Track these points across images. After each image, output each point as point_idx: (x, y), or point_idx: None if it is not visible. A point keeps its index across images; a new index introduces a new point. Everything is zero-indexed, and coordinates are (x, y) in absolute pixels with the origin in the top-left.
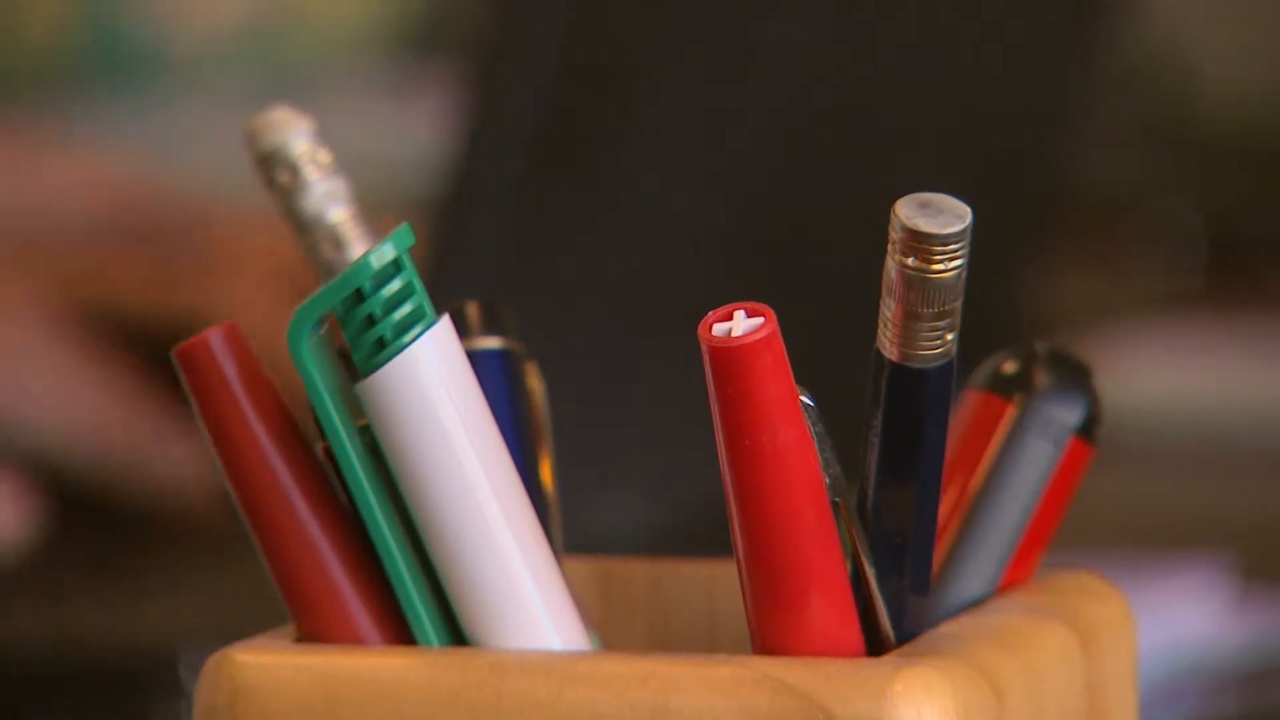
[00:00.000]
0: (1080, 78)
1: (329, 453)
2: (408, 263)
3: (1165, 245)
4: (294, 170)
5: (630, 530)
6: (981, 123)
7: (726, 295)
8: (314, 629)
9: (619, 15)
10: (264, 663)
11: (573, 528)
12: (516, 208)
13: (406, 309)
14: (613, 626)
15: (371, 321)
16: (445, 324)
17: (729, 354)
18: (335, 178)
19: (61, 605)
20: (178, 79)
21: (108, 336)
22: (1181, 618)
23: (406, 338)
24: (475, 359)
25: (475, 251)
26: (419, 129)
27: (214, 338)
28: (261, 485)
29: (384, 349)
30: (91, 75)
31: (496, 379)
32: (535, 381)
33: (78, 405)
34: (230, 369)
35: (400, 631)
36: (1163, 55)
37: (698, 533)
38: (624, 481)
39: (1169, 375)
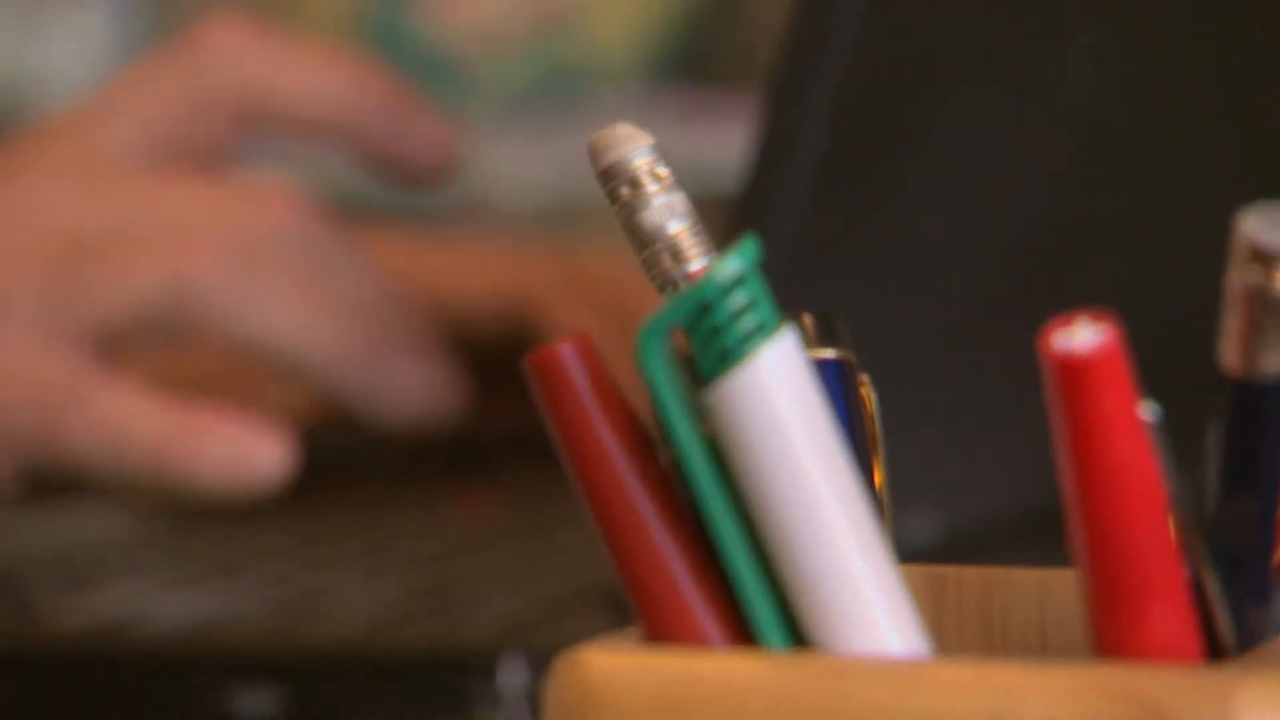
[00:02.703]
0: None
1: (673, 461)
2: (753, 275)
3: None
4: (635, 184)
5: (923, 542)
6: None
7: (1029, 305)
8: (660, 631)
9: (912, 26)
10: (615, 663)
11: None
12: (810, 219)
13: (752, 321)
14: (944, 633)
15: (717, 333)
16: (790, 335)
17: (1073, 365)
18: (675, 191)
19: (380, 610)
20: (457, 84)
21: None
22: None
23: (752, 349)
24: (813, 369)
25: (766, 265)
26: (702, 146)
27: (566, 349)
28: (612, 493)
29: (730, 360)
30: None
31: (832, 389)
32: (867, 391)
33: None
34: (581, 379)
35: (743, 635)
36: None
37: (992, 546)
38: (918, 494)
39: None
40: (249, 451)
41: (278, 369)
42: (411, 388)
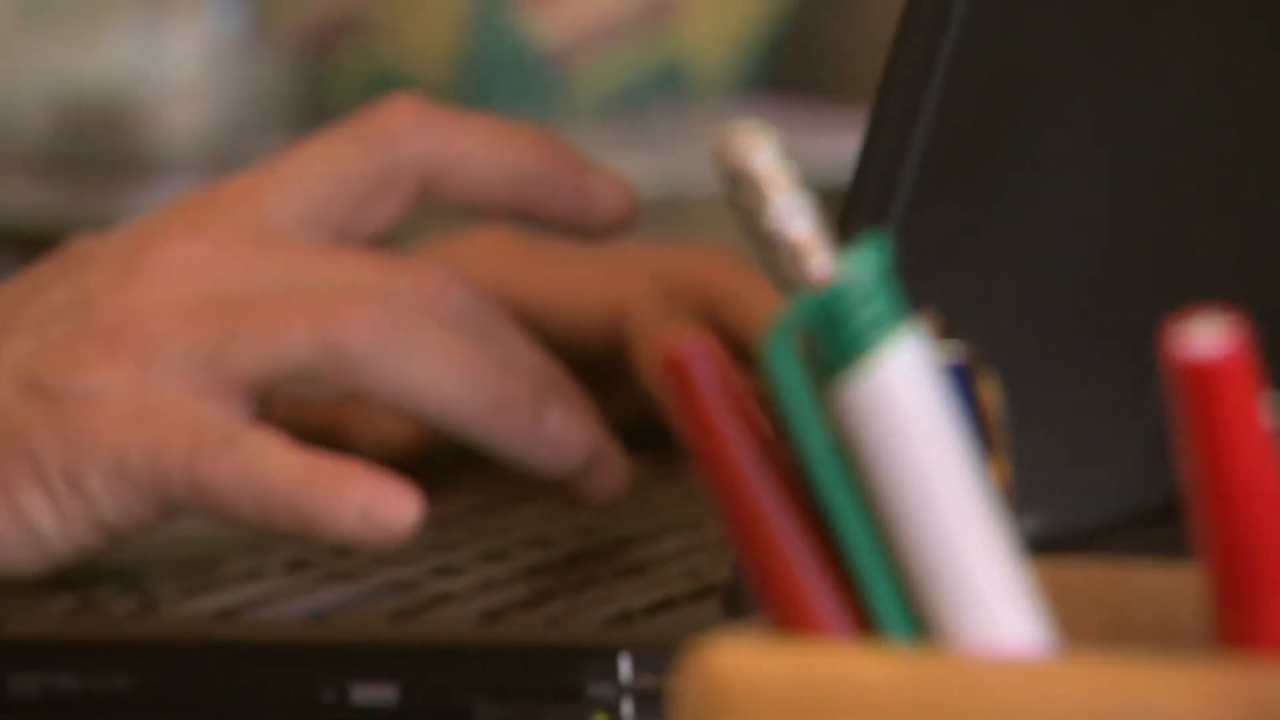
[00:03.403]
0: None
1: (799, 459)
2: (881, 276)
3: None
4: (760, 185)
5: (1036, 541)
6: None
7: (1139, 303)
8: (788, 625)
9: (1020, 23)
10: (745, 656)
11: None
12: (917, 219)
13: (879, 321)
14: (1064, 630)
15: (844, 333)
16: (916, 335)
17: (1198, 370)
18: (800, 192)
19: (497, 604)
20: (556, 81)
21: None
22: None
23: (879, 349)
24: (939, 369)
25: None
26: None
27: (695, 347)
28: (743, 489)
29: (856, 360)
30: (482, 79)
31: (958, 389)
32: (990, 390)
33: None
34: (711, 377)
35: (869, 629)
36: None
37: (1106, 544)
38: (1029, 492)
39: None
40: (385, 501)
41: (427, 425)
42: (564, 443)
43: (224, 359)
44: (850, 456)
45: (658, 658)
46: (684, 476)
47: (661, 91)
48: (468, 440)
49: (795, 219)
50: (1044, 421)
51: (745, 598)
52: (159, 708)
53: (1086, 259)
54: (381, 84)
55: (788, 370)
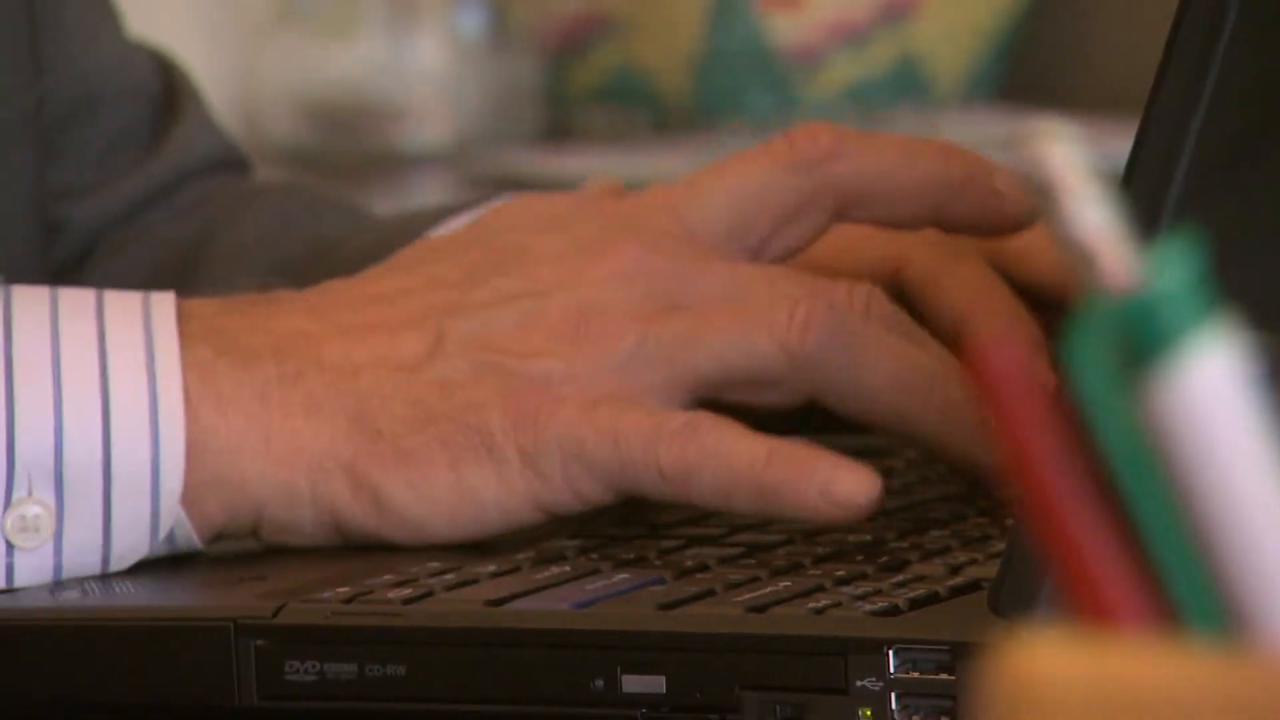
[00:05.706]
0: None
1: (1105, 458)
2: (1188, 277)
3: None
4: (1052, 189)
5: None
6: None
7: None
8: (1094, 620)
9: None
10: (1054, 657)
11: None
12: (1194, 213)
13: (1185, 323)
14: None
15: (1149, 336)
16: (1224, 334)
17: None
18: (1104, 192)
19: (759, 597)
20: (792, 75)
21: None
22: None
23: (1185, 352)
24: (1247, 370)
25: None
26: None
27: (994, 351)
28: (1056, 488)
29: (1161, 362)
30: (723, 77)
31: (1264, 386)
32: None
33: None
34: (1012, 384)
35: (1175, 625)
36: None
37: None
38: None
39: None
40: (845, 479)
41: (879, 426)
42: (984, 435)
43: (682, 358)
44: (1157, 455)
45: (924, 653)
46: (945, 471)
47: (895, 92)
48: (916, 441)
49: (1092, 221)
50: None
51: (1012, 595)
52: (432, 695)
53: None
54: (623, 82)
55: (1092, 376)
